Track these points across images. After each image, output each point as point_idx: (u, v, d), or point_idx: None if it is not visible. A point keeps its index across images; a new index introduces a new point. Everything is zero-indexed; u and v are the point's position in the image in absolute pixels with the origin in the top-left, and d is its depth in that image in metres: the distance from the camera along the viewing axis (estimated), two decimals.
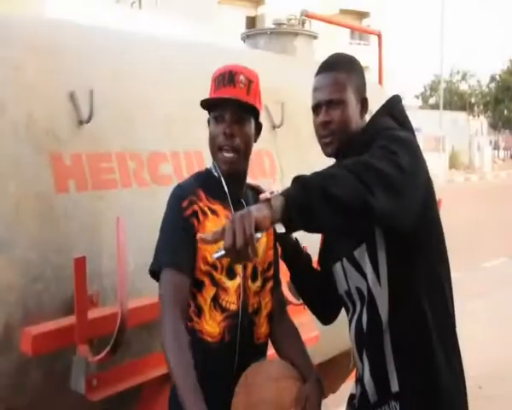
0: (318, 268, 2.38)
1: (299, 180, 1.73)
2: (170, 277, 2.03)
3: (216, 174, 2.19)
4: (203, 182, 2.18)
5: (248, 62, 2.36)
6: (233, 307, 2.13)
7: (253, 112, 2.17)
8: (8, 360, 2.27)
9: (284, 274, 2.40)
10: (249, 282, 2.17)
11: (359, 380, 2.21)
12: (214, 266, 2.10)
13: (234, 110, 2.10)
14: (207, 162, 2.34)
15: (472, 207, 19.02)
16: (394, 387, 2.06)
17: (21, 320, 2.27)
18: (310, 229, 1.80)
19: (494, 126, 58.53)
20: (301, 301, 2.52)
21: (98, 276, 2.49)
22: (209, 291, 2.10)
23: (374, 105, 2.25)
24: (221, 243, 1.67)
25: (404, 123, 2.16)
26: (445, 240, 2.14)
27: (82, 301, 2.31)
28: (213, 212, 2.13)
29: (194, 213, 2.09)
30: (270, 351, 2.33)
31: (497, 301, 8.81)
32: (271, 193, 1.71)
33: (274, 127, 3.54)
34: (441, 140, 33.80)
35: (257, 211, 1.66)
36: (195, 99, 2.21)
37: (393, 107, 2.19)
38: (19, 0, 3.36)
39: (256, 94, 2.17)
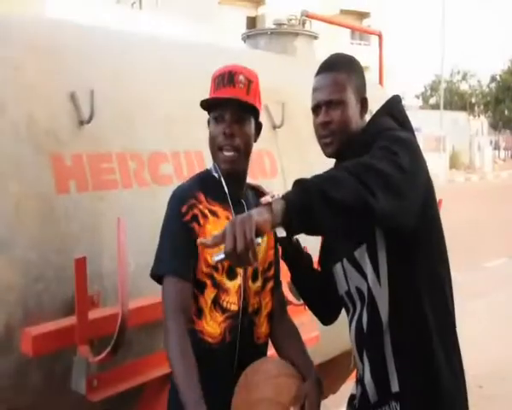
0: (319, 269, 2.38)
1: (299, 183, 1.73)
2: (172, 285, 2.05)
3: (216, 175, 2.19)
4: (203, 184, 2.18)
5: (249, 62, 2.36)
6: (233, 307, 2.13)
7: (253, 112, 2.17)
8: (8, 361, 2.27)
9: (285, 274, 2.40)
10: (250, 282, 2.18)
11: (360, 380, 2.21)
12: (215, 268, 2.10)
13: (234, 110, 2.10)
14: (208, 162, 2.34)
15: (472, 208, 19.02)
16: (394, 387, 2.05)
17: (22, 321, 2.27)
18: (310, 232, 1.80)
19: (495, 126, 58.54)
20: (302, 302, 2.52)
21: (99, 276, 2.49)
22: (210, 293, 2.11)
23: (374, 105, 2.25)
24: (222, 245, 1.67)
25: (404, 123, 2.16)
26: (444, 239, 2.14)
27: (82, 301, 2.31)
28: (213, 213, 2.13)
29: (194, 218, 2.09)
30: (271, 351, 2.33)
31: (497, 301, 8.82)
32: (272, 197, 1.70)
33: (274, 127, 3.54)
34: (442, 140, 33.80)
35: (258, 215, 1.65)
36: (196, 99, 2.21)
37: (393, 107, 2.19)
38: (19, 0, 3.36)
39: (256, 94, 2.17)
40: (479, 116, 60.28)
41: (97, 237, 2.52)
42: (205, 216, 2.11)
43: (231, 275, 2.13)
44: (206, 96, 2.16)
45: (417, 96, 66.43)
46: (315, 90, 2.17)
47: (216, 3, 35.05)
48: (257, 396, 2.01)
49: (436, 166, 26.99)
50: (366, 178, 1.74)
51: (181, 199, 2.12)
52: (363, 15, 42.55)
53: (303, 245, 2.34)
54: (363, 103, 2.18)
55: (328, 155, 2.17)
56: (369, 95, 2.20)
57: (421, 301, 2.03)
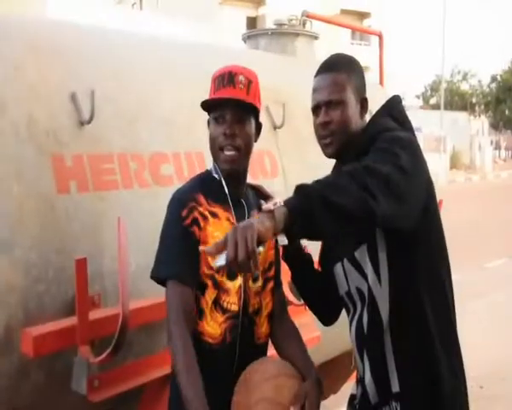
0: (319, 269, 2.38)
1: (300, 189, 1.73)
2: (175, 290, 2.06)
3: (216, 176, 2.20)
4: (203, 185, 2.18)
5: (249, 63, 2.36)
6: (234, 307, 2.13)
7: (253, 112, 2.18)
8: (9, 362, 2.27)
9: (285, 274, 2.40)
10: (250, 282, 2.18)
11: (360, 381, 2.21)
12: (217, 269, 2.10)
13: (234, 110, 2.11)
14: (208, 163, 2.34)
15: (473, 208, 19.03)
16: (395, 387, 2.05)
17: (22, 321, 2.27)
18: (311, 237, 1.80)
19: (495, 126, 58.54)
20: (302, 302, 2.52)
21: (99, 277, 2.49)
22: (211, 294, 2.11)
23: (374, 105, 2.25)
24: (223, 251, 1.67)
25: (405, 123, 2.15)
26: (445, 239, 2.14)
27: (83, 302, 2.31)
28: (214, 215, 2.13)
29: (195, 221, 2.10)
30: (271, 351, 2.33)
31: (497, 301, 8.82)
32: (275, 204, 1.70)
33: (275, 128, 3.54)
34: (442, 140, 33.78)
35: (259, 223, 1.64)
36: (196, 100, 2.22)
37: (393, 107, 2.19)
38: (19, 0, 3.36)
39: (255, 94, 2.17)
40: (479, 116, 60.29)
41: (98, 237, 2.52)
42: (205, 218, 2.11)
43: (231, 276, 2.13)
44: (207, 96, 2.16)
45: (418, 96, 66.48)
46: (315, 90, 2.17)
47: (216, 4, 35.05)
48: (257, 396, 2.02)
49: (436, 166, 27.00)
50: (367, 182, 1.74)
51: (181, 202, 2.12)
52: (363, 15, 42.54)
53: (303, 245, 2.34)
54: (363, 104, 2.18)
55: (329, 156, 2.17)
56: (369, 95, 2.20)
57: (422, 301, 2.03)
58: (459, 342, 2.14)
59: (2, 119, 2.34)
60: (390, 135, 2.00)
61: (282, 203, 1.69)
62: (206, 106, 2.16)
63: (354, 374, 2.73)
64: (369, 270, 2.06)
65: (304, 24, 4.49)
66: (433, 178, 2.09)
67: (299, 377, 2.12)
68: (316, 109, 2.16)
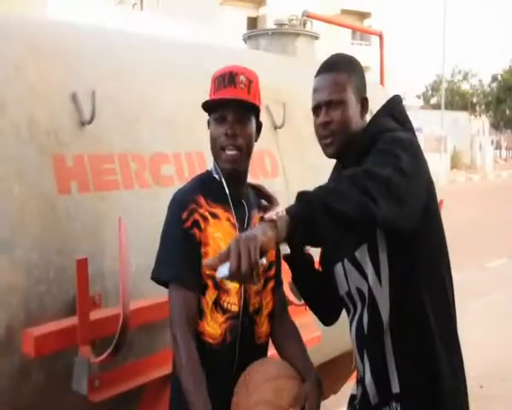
0: (320, 269, 2.38)
1: (302, 196, 1.74)
2: (177, 294, 2.08)
3: (217, 176, 2.20)
4: (203, 186, 2.18)
5: (250, 63, 2.37)
6: (234, 308, 2.14)
7: (254, 111, 2.18)
8: (10, 362, 2.27)
9: (286, 274, 2.40)
10: None
11: (360, 381, 2.21)
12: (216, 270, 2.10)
13: (236, 110, 2.11)
14: (209, 163, 2.34)
15: (474, 208, 19.03)
16: (395, 388, 2.05)
17: (23, 321, 2.27)
18: (314, 244, 1.80)
19: (496, 126, 58.53)
20: (303, 302, 2.52)
21: (100, 277, 2.49)
22: (211, 294, 2.12)
23: (375, 105, 2.25)
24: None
25: (405, 123, 2.15)
26: (445, 239, 2.14)
27: (84, 302, 2.31)
28: (214, 216, 2.13)
29: (195, 223, 2.10)
30: (271, 351, 2.33)
31: (498, 301, 8.81)
32: (277, 214, 1.70)
33: (275, 128, 3.55)
34: (443, 140, 33.78)
35: (262, 234, 1.64)
36: (197, 100, 2.22)
37: (394, 107, 2.19)
38: (20, 0, 3.37)
39: (256, 93, 2.17)
40: (480, 116, 60.27)
41: (99, 237, 2.52)
42: (205, 219, 2.12)
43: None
44: (207, 96, 2.16)
45: (418, 96, 66.49)
46: (315, 90, 2.17)
47: (217, 4, 35.04)
48: (256, 398, 2.02)
49: (437, 166, 26.99)
50: (367, 186, 1.74)
51: (181, 204, 2.13)
52: (363, 16, 42.53)
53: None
54: (364, 103, 2.18)
55: (329, 156, 2.17)
56: (369, 95, 2.20)
57: (422, 301, 2.03)
58: (459, 340, 2.14)
59: (3, 119, 2.34)
60: (390, 136, 1.99)
61: (284, 212, 1.69)
62: (207, 106, 2.16)
63: (354, 374, 2.73)
64: (369, 270, 2.06)
65: (304, 24, 4.49)
66: (434, 178, 2.09)
67: (299, 378, 2.12)
68: (316, 109, 2.16)
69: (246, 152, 2.16)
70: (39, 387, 2.36)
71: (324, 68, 2.17)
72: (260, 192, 2.33)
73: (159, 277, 2.13)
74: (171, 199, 2.17)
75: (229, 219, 2.15)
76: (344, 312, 2.32)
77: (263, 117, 2.26)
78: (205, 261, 1.76)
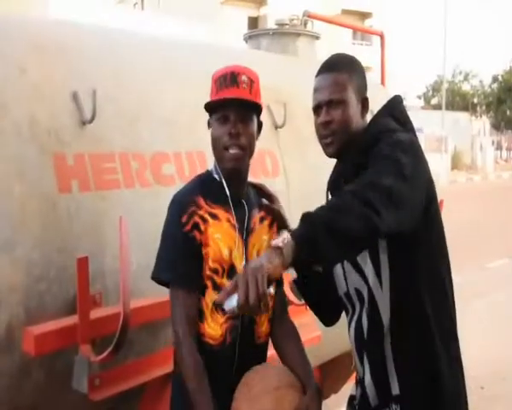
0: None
1: (306, 218, 1.75)
2: (179, 297, 2.09)
3: (217, 176, 2.20)
4: (203, 187, 2.18)
5: (251, 63, 2.37)
6: None
7: (256, 111, 2.18)
8: (10, 360, 2.27)
9: (286, 274, 2.40)
10: None
11: (359, 382, 2.21)
12: (215, 271, 2.11)
13: (238, 110, 2.11)
14: (210, 163, 2.35)
15: (474, 208, 19.01)
16: (395, 390, 2.05)
17: (24, 320, 2.27)
18: (320, 264, 1.82)
19: (496, 127, 58.47)
20: (303, 302, 2.52)
21: (101, 276, 2.50)
22: (211, 295, 2.12)
23: (376, 105, 2.25)
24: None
25: (406, 123, 2.16)
26: (445, 240, 2.14)
27: (84, 301, 2.31)
28: (214, 216, 2.13)
29: (195, 226, 2.11)
30: (271, 351, 2.33)
31: (498, 301, 8.81)
32: (283, 240, 1.71)
33: (276, 127, 3.55)
34: (443, 140, 33.75)
35: (269, 262, 1.66)
36: (198, 99, 2.22)
37: (395, 107, 2.19)
38: (22, 0, 3.37)
39: (257, 93, 2.18)
40: (481, 116, 60.21)
41: (99, 236, 2.53)
42: (205, 221, 2.12)
43: (232, 276, 2.14)
44: (208, 96, 2.16)
45: (419, 97, 66.43)
46: (316, 90, 2.17)
47: (218, 4, 35.07)
48: (257, 408, 2.02)
49: (438, 166, 26.96)
50: (370, 198, 1.74)
51: (181, 206, 2.13)
52: (364, 16, 42.54)
53: None
54: (364, 103, 2.18)
55: (329, 155, 2.18)
56: (370, 95, 2.20)
57: (423, 301, 2.03)
58: (459, 341, 2.14)
59: (5, 118, 2.34)
60: (391, 138, 1.99)
61: (290, 237, 1.70)
62: (209, 107, 2.16)
63: (354, 374, 2.73)
64: (369, 272, 2.06)
65: (305, 24, 4.49)
66: (435, 179, 2.10)
67: (300, 386, 2.12)
68: (317, 109, 2.16)
69: (248, 151, 2.16)
70: (39, 386, 2.36)
71: (325, 68, 2.17)
72: (261, 191, 2.34)
73: (159, 276, 2.13)
74: (170, 200, 2.17)
75: (229, 220, 2.15)
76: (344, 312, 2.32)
77: (264, 117, 2.26)
78: (215, 300, 1.79)
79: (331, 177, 2.24)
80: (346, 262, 2.15)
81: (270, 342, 2.32)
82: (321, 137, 2.16)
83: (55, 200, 2.41)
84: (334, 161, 2.24)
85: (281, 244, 1.69)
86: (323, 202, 2.25)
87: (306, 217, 1.75)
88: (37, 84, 2.49)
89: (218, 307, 2.03)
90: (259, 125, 2.24)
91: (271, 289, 1.69)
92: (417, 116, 28.31)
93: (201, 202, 2.13)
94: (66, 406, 2.45)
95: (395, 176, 1.83)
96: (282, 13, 5.69)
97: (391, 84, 5.87)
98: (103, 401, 2.36)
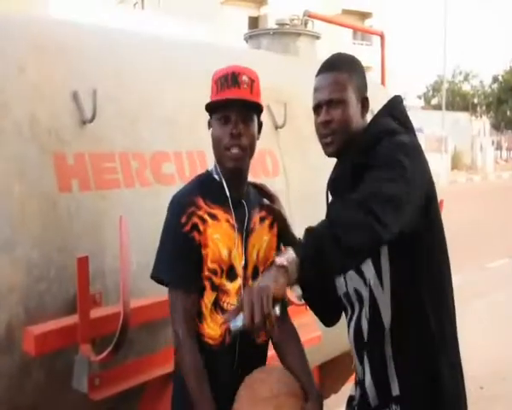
0: None
1: (310, 234, 1.76)
2: (176, 296, 2.10)
3: (217, 177, 2.20)
4: (202, 187, 2.18)
5: (251, 62, 2.37)
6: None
7: (256, 111, 2.18)
8: (10, 360, 2.27)
9: None
10: (250, 282, 2.18)
11: (359, 382, 2.21)
12: (214, 272, 2.11)
13: (239, 111, 2.11)
14: (210, 162, 2.34)
15: (474, 208, 19.01)
16: (395, 391, 2.05)
17: (24, 320, 2.27)
18: (322, 275, 1.83)
19: (497, 127, 58.46)
20: (303, 302, 2.52)
21: (101, 275, 2.50)
22: (210, 296, 2.12)
23: (376, 105, 2.25)
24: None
25: (406, 123, 2.16)
26: (445, 237, 2.14)
27: (84, 300, 2.31)
28: (213, 217, 2.13)
29: (194, 227, 2.11)
30: (271, 351, 2.33)
31: (498, 301, 8.81)
32: (287, 259, 1.72)
33: (276, 127, 3.55)
34: (444, 141, 33.76)
35: (274, 282, 1.68)
36: (198, 99, 2.22)
37: (395, 107, 2.20)
38: (22, 0, 3.37)
39: (258, 93, 2.18)
40: (481, 117, 60.20)
41: (99, 235, 2.53)
42: (204, 221, 2.12)
43: (231, 276, 2.14)
44: (209, 95, 2.16)
45: (419, 97, 66.44)
46: (316, 89, 2.17)
47: (218, 3, 35.07)
48: None
49: (438, 166, 26.97)
50: (373, 208, 1.76)
51: (180, 207, 2.13)
52: (365, 15, 42.54)
53: None
54: (364, 103, 2.18)
55: (329, 155, 2.18)
56: (370, 95, 2.20)
57: (423, 301, 2.03)
58: (458, 342, 2.14)
59: (5, 118, 2.34)
60: (392, 141, 1.99)
61: (294, 254, 1.72)
62: (209, 107, 2.16)
63: (354, 375, 2.73)
64: (370, 273, 2.06)
65: (305, 24, 4.49)
66: (435, 179, 2.10)
67: (302, 394, 2.11)
68: (317, 108, 2.16)
69: (249, 151, 2.16)
70: (39, 385, 2.36)
71: (325, 68, 2.17)
72: (262, 191, 2.34)
73: (158, 275, 2.14)
74: (170, 201, 2.17)
75: (228, 221, 2.15)
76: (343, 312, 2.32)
77: (264, 117, 2.26)
78: (222, 320, 1.80)
79: (331, 177, 2.24)
80: None
81: (270, 342, 2.32)
82: (321, 137, 2.16)
83: (56, 199, 2.41)
84: (334, 161, 2.23)
85: (285, 263, 1.70)
86: (323, 203, 2.27)
87: (310, 233, 1.76)
88: (38, 83, 2.49)
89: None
90: (260, 125, 2.24)
91: (277, 310, 1.70)
92: (417, 116, 28.31)
93: (201, 202, 2.13)
94: (67, 405, 2.46)
95: (397, 182, 1.84)
96: (283, 13, 5.69)
97: (391, 84, 5.87)
98: (103, 400, 2.36)
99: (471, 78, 63.93)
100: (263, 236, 2.25)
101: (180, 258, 2.10)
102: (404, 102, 2.30)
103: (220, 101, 2.12)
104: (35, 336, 2.22)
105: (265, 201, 2.31)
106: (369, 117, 2.20)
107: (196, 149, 3.00)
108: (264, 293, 1.65)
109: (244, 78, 2.12)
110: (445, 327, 2.08)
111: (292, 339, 2.30)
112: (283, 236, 2.31)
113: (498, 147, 50.39)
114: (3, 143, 2.32)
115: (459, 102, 60.34)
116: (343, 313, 2.29)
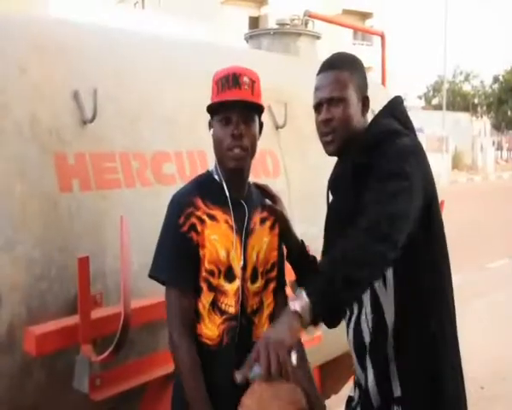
0: None
1: (321, 275, 1.79)
2: (174, 297, 2.10)
3: (217, 177, 2.19)
4: (202, 188, 2.18)
5: (252, 62, 2.37)
6: (231, 309, 2.14)
7: (257, 111, 2.18)
8: (11, 360, 2.27)
9: (287, 274, 2.40)
10: (248, 283, 2.18)
11: (358, 383, 2.21)
12: (211, 272, 2.11)
13: (241, 112, 2.10)
14: (210, 162, 2.34)
15: (475, 208, 19.02)
16: (397, 392, 2.05)
17: (25, 320, 2.27)
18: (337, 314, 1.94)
19: (497, 127, 58.42)
20: None
21: (102, 275, 2.50)
22: (207, 297, 2.12)
23: (377, 105, 2.26)
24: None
25: (406, 124, 2.16)
26: (445, 237, 2.14)
27: (85, 300, 2.31)
28: (212, 218, 2.13)
29: (192, 227, 2.10)
30: None
31: (498, 301, 8.81)
32: (301, 305, 1.75)
33: (277, 127, 3.55)
34: (444, 141, 33.75)
35: (288, 331, 1.73)
36: (198, 99, 2.22)
37: (395, 108, 2.20)
38: (22, 0, 3.37)
39: (259, 93, 2.17)
40: (481, 117, 60.17)
41: (100, 235, 2.53)
42: (203, 222, 2.11)
43: (230, 277, 2.14)
44: (209, 95, 2.16)
45: (420, 97, 66.42)
46: (317, 88, 2.17)
47: (218, 3, 35.05)
48: None
49: (438, 166, 26.96)
50: (381, 230, 1.79)
51: (179, 207, 2.13)
52: (365, 16, 42.51)
53: (306, 245, 2.35)
54: (365, 102, 2.18)
55: (330, 153, 2.18)
56: (371, 95, 2.21)
57: (424, 302, 2.03)
58: (458, 343, 2.14)
59: (6, 118, 2.34)
60: (393, 149, 1.99)
61: (307, 298, 1.74)
62: (210, 108, 2.15)
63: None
64: None
65: (306, 24, 4.49)
66: (435, 179, 2.10)
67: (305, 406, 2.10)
68: (318, 107, 2.16)
69: (250, 152, 2.16)
70: (40, 386, 2.36)
71: (326, 66, 2.17)
72: (265, 192, 2.33)
73: (155, 274, 2.14)
74: (170, 200, 2.17)
75: (227, 222, 2.15)
76: None
77: (264, 117, 2.26)
78: (236, 375, 1.81)
79: (331, 176, 2.24)
80: None
81: None
82: (321, 135, 2.17)
83: (56, 199, 2.41)
84: (334, 161, 2.23)
85: (299, 309, 1.74)
86: (324, 203, 2.27)
87: (322, 274, 1.79)
88: (38, 83, 2.49)
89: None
90: (261, 125, 2.23)
91: (293, 359, 1.74)
92: (418, 116, 28.33)
93: (199, 202, 2.13)
94: (67, 406, 2.46)
95: (402, 195, 1.86)
96: (283, 12, 5.69)
97: (391, 84, 5.87)
98: (104, 400, 2.36)
99: (472, 78, 63.92)
100: (263, 237, 2.24)
101: (178, 257, 2.10)
102: (405, 103, 2.30)
103: (222, 102, 2.11)
104: (36, 337, 2.22)
105: (267, 201, 2.30)
106: (369, 117, 2.20)
107: (197, 148, 3.00)
108: (280, 348, 1.69)
109: (245, 79, 2.11)
110: (445, 327, 2.08)
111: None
112: (285, 237, 2.30)
113: (499, 147, 50.33)
114: (4, 143, 2.32)
115: (460, 102, 60.32)
116: None
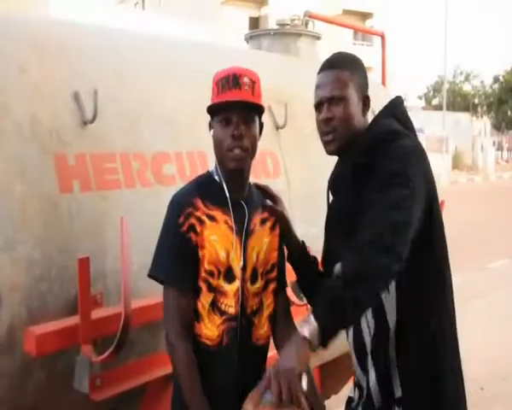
0: (322, 269, 2.38)
1: (328, 298, 1.81)
2: (172, 297, 2.10)
3: (217, 178, 2.19)
4: (201, 188, 2.18)
5: (252, 63, 2.37)
6: (231, 310, 2.13)
7: (257, 112, 2.18)
8: (11, 360, 2.27)
9: (288, 275, 2.40)
10: (248, 284, 2.18)
11: (357, 384, 2.21)
12: (211, 273, 2.11)
13: (241, 112, 2.10)
14: (210, 163, 2.35)
15: (475, 208, 19.01)
16: (398, 392, 2.05)
17: (25, 320, 2.27)
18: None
19: (497, 127, 58.39)
20: (304, 302, 2.52)
21: (102, 276, 2.50)
22: (206, 297, 2.12)
23: (377, 105, 2.26)
24: None
25: (406, 124, 2.16)
26: (445, 236, 2.14)
27: (86, 301, 2.31)
28: (211, 218, 2.13)
29: (191, 227, 2.10)
30: (271, 352, 2.33)
31: (498, 301, 8.81)
32: (310, 332, 1.77)
33: (277, 128, 3.55)
34: (444, 141, 33.74)
35: (297, 357, 1.76)
36: (199, 99, 2.22)
37: (396, 108, 2.20)
38: (22, 0, 3.37)
39: (259, 94, 2.17)
40: (481, 117, 60.14)
41: (100, 236, 2.53)
42: (202, 222, 2.11)
43: (229, 278, 2.14)
44: (209, 96, 2.16)
45: (420, 97, 66.40)
46: (317, 87, 2.17)
47: (218, 3, 35.04)
48: None
49: (439, 166, 26.95)
50: (385, 242, 1.81)
51: (178, 207, 2.12)
52: (365, 16, 42.50)
53: (307, 246, 2.35)
54: (366, 101, 2.18)
55: (330, 153, 2.18)
56: (371, 95, 2.21)
57: (425, 302, 2.03)
58: (458, 344, 2.14)
59: (6, 118, 2.35)
60: (394, 152, 1.99)
61: (315, 323, 1.77)
62: (210, 109, 2.15)
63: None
64: None
65: (306, 24, 4.49)
66: (436, 179, 2.10)
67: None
68: (318, 106, 2.16)
69: (251, 152, 2.16)
70: (41, 386, 2.36)
71: (327, 66, 2.18)
72: (265, 192, 2.33)
73: (155, 274, 2.13)
74: (170, 201, 2.17)
75: (226, 222, 2.14)
76: None
77: (265, 117, 2.26)
78: (246, 407, 1.82)
79: (332, 176, 2.24)
80: None
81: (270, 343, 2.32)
82: (322, 134, 2.17)
83: (57, 200, 2.41)
84: (334, 161, 2.23)
85: (307, 335, 1.77)
86: (324, 203, 2.27)
87: (328, 298, 1.81)
88: (38, 84, 2.49)
89: None
90: (261, 126, 2.23)
91: (304, 384, 1.77)
92: (418, 116, 28.33)
93: (199, 203, 2.13)
94: (68, 406, 2.46)
95: (404, 202, 1.87)
96: (283, 13, 5.70)
97: (392, 84, 5.88)
98: (104, 401, 2.37)
99: (472, 78, 63.89)
100: (263, 237, 2.24)
101: (177, 257, 2.10)
102: (405, 103, 2.30)
103: (221, 103, 2.11)
104: (36, 337, 2.22)
105: (268, 202, 2.30)
106: (369, 117, 2.20)
107: (197, 149, 3.00)
108: (290, 376, 1.73)
109: (245, 79, 2.11)
110: (445, 328, 2.08)
111: None
112: (285, 237, 2.30)
113: (499, 147, 50.31)
114: (4, 144, 2.32)
115: (460, 102, 60.30)
116: None
